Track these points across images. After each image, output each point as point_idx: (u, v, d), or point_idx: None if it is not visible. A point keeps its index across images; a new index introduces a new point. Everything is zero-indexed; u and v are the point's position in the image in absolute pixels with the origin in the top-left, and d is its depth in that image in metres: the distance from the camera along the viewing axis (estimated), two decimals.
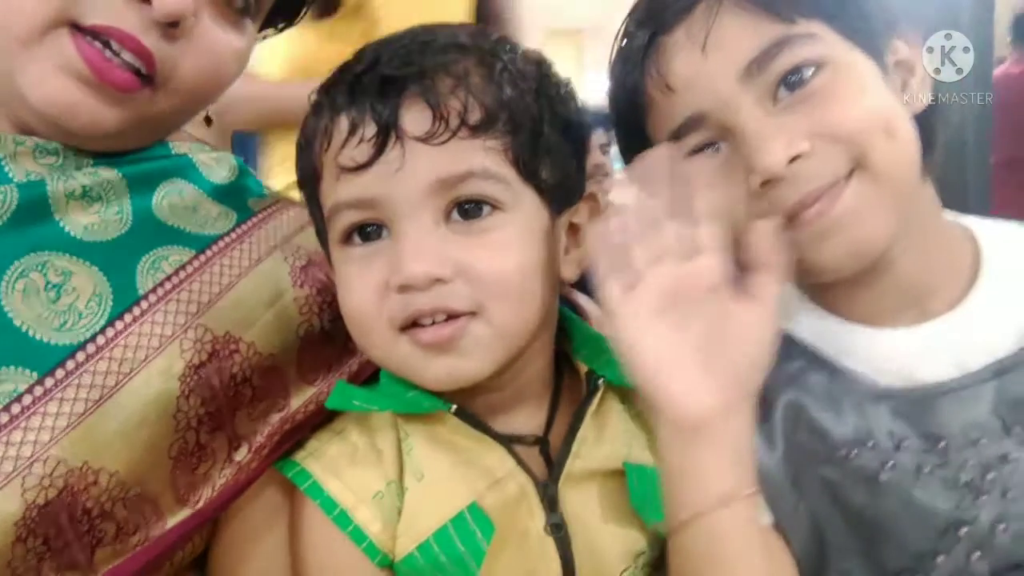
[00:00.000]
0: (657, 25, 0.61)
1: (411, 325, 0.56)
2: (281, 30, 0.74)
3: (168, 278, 0.61)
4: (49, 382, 0.53)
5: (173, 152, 0.69)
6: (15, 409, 0.52)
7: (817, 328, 0.64)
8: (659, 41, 0.61)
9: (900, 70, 0.61)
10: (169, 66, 0.59)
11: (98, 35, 0.56)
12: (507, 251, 0.56)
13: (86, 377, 0.55)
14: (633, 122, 0.64)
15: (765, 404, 0.62)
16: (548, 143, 0.58)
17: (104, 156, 0.63)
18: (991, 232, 0.64)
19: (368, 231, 0.58)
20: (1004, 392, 0.57)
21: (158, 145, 0.69)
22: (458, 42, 0.58)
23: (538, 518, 0.59)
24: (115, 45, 0.56)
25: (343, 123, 0.56)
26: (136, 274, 0.60)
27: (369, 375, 0.67)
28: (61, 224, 0.59)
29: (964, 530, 0.57)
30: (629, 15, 0.65)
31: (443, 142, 0.54)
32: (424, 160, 0.54)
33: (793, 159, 0.56)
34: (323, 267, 0.70)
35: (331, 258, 0.62)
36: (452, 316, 0.55)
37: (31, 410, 0.52)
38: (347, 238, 0.58)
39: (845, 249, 0.57)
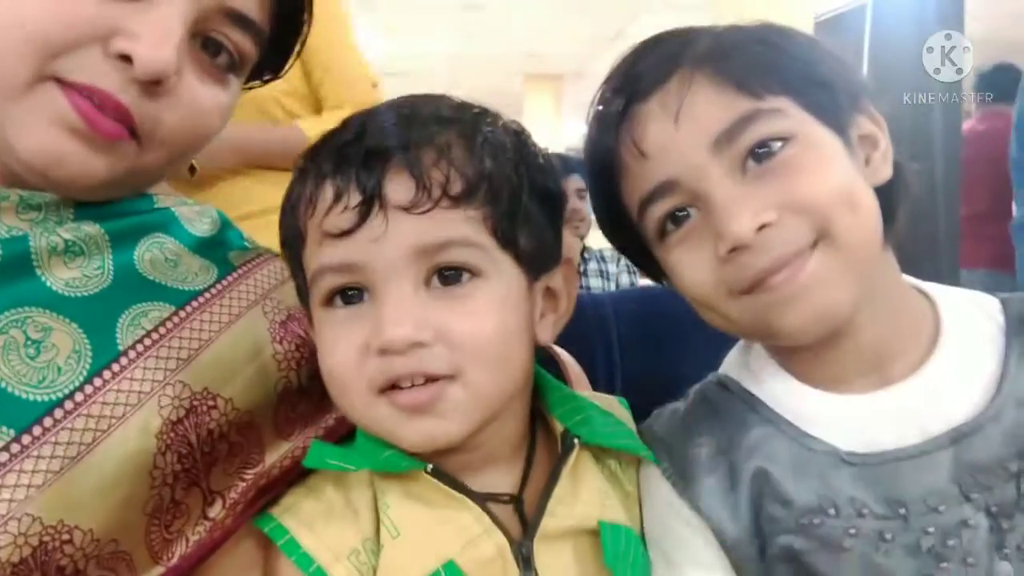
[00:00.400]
0: (632, 93, 0.63)
1: (389, 388, 0.57)
2: (266, 82, 0.75)
3: (148, 334, 0.61)
4: (26, 439, 0.53)
5: (156, 206, 0.70)
6: None
7: (782, 394, 0.65)
8: (633, 109, 0.63)
9: (864, 144, 0.64)
10: (151, 123, 0.60)
11: (79, 93, 0.57)
12: (485, 316, 0.58)
13: (63, 434, 0.55)
14: (607, 184, 0.66)
15: (733, 473, 0.64)
16: (526, 212, 0.61)
17: (86, 209, 0.64)
18: (948, 298, 0.65)
19: (350, 294, 0.59)
20: (961, 459, 0.58)
21: (141, 198, 0.70)
22: (440, 115, 0.61)
23: None
24: (96, 102, 0.57)
25: (328, 191, 0.58)
26: (116, 330, 0.60)
27: (345, 432, 0.67)
28: (43, 279, 0.59)
29: None
30: (605, 82, 0.67)
31: (425, 211, 0.56)
32: (406, 228, 0.56)
33: (760, 228, 0.58)
34: (302, 323, 0.71)
35: (312, 319, 0.63)
36: (430, 379, 0.57)
37: (7, 468, 0.52)
38: (329, 301, 0.60)
39: (810, 314, 0.59)
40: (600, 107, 0.67)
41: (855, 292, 0.59)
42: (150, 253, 0.66)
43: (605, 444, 0.66)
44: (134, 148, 0.60)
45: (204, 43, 0.63)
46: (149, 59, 0.57)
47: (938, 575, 0.57)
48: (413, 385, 0.57)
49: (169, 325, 0.63)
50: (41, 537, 0.52)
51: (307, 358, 0.70)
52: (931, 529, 0.58)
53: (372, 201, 0.56)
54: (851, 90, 0.64)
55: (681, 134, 0.60)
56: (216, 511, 0.62)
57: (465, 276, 0.58)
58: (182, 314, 0.64)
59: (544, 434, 0.68)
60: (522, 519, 0.62)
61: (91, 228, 0.63)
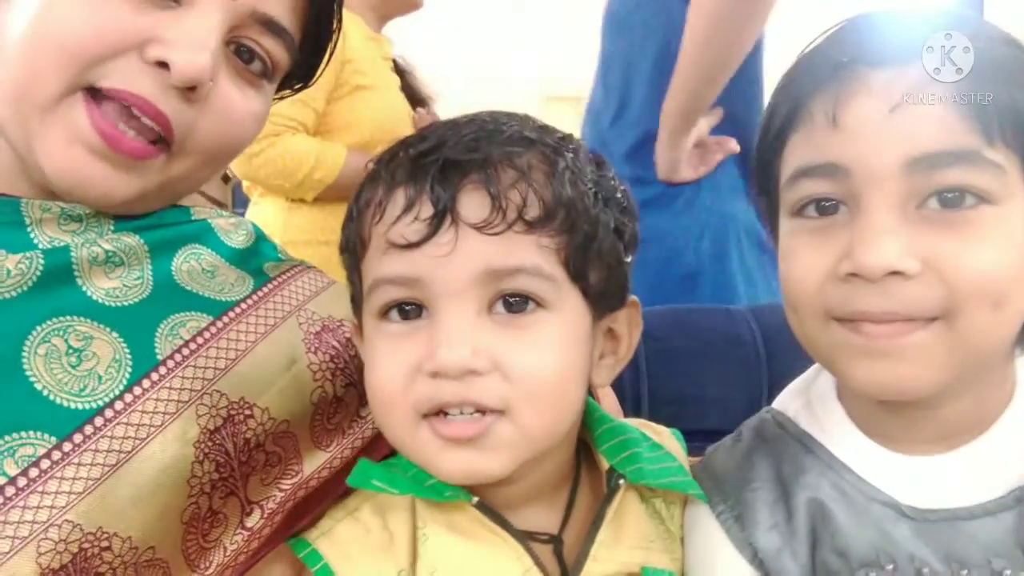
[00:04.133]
0: (866, 53, 0.54)
1: (434, 414, 0.55)
2: (298, 91, 0.76)
3: (186, 344, 0.62)
4: (67, 446, 0.54)
5: (193, 217, 0.71)
6: (33, 473, 0.52)
7: (843, 443, 0.62)
8: (858, 68, 0.54)
9: None
10: (186, 129, 0.61)
11: (114, 99, 0.58)
12: (546, 351, 0.55)
13: (103, 442, 0.55)
14: (780, 125, 0.59)
15: (792, 518, 0.61)
16: (600, 247, 0.58)
17: (126, 221, 0.65)
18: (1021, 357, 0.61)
19: (407, 309, 0.56)
20: None
21: (178, 211, 0.71)
22: (524, 135, 0.58)
23: None
24: (134, 111, 0.58)
25: (399, 199, 0.55)
26: (155, 340, 0.61)
27: (388, 450, 0.66)
28: (84, 289, 0.60)
29: None
30: (841, 25, 0.58)
31: (498, 233, 0.53)
32: (476, 248, 0.53)
33: (894, 272, 0.51)
34: (336, 333, 0.71)
35: (363, 329, 0.61)
36: (479, 410, 0.54)
37: (48, 474, 0.52)
38: (384, 313, 0.57)
39: (886, 378, 0.54)
40: (821, 43, 0.58)
41: (946, 380, 0.54)
42: (187, 264, 0.67)
43: (652, 484, 0.62)
44: (162, 161, 0.61)
45: (237, 50, 0.64)
46: (185, 64, 0.57)
47: None
48: (461, 412, 0.54)
49: (207, 335, 0.63)
50: (81, 544, 0.52)
51: (342, 369, 0.70)
52: None
53: (444, 215, 0.53)
54: None
55: (888, 128, 0.52)
56: (254, 521, 0.62)
57: (530, 306, 0.55)
58: (219, 324, 0.65)
59: (588, 469, 0.65)
60: (560, 560, 0.59)
61: (131, 239, 0.64)
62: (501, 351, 0.54)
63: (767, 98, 0.63)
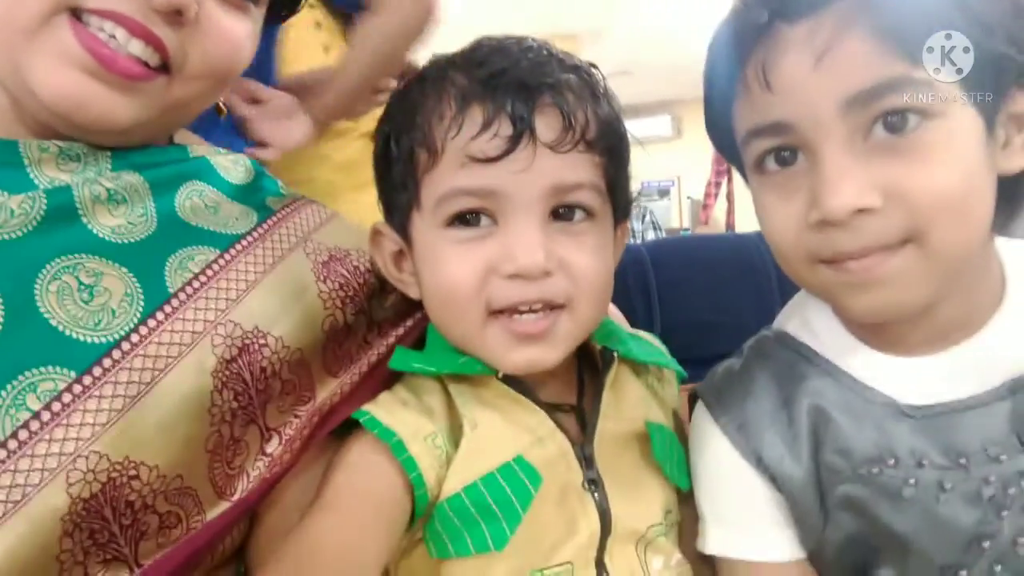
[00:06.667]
0: (780, 9, 0.55)
1: (502, 312, 0.61)
2: (284, 18, 0.76)
3: (196, 276, 0.62)
4: (87, 380, 0.54)
5: (191, 155, 0.70)
6: (56, 407, 0.53)
7: (841, 351, 0.64)
8: (776, 28, 0.55)
9: (1010, 124, 0.57)
10: (180, 54, 0.60)
11: (103, 20, 0.57)
12: (598, 253, 0.63)
13: (123, 374, 0.55)
14: (721, 100, 0.62)
15: (794, 424, 0.63)
16: (625, 164, 0.66)
17: (123, 159, 0.64)
18: (1014, 252, 0.62)
19: (468, 217, 0.61)
20: (1020, 409, 0.57)
21: (176, 148, 0.70)
22: (571, 63, 0.64)
23: (576, 474, 0.63)
24: (122, 36, 0.57)
25: (476, 116, 0.59)
26: (164, 274, 0.61)
27: (388, 374, 0.68)
28: (89, 227, 0.60)
29: (987, 544, 0.56)
30: None
31: (566, 151, 0.60)
32: (548, 165, 0.59)
33: (860, 210, 0.54)
34: (343, 263, 0.72)
35: (412, 237, 0.65)
36: (547, 306, 0.61)
37: (71, 407, 0.53)
38: (451, 222, 0.62)
39: (878, 305, 0.56)
40: (739, 10, 0.59)
41: (932, 293, 0.56)
42: (190, 200, 0.67)
43: (639, 359, 0.71)
44: (162, 85, 0.61)
45: None
46: None
47: (997, 523, 0.56)
48: (531, 311, 0.60)
49: (215, 268, 0.64)
50: (109, 473, 0.53)
51: (351, 296, 0.70)
52: (992, 478, 0.56)
53: (523, 134, 0.58)
54: (1020, 60, 0.54)
55: (817, 79, 0.54)
56: (273, 447, 0.63)
57: (579, 215, 0.62)
58: (227, 256, 0.65)
59: (588, 358, 0.72)
60: (581, 426, 0.66)
61: (131, 177, 0.64)
62: (564, 254, 0.61)
63: None
